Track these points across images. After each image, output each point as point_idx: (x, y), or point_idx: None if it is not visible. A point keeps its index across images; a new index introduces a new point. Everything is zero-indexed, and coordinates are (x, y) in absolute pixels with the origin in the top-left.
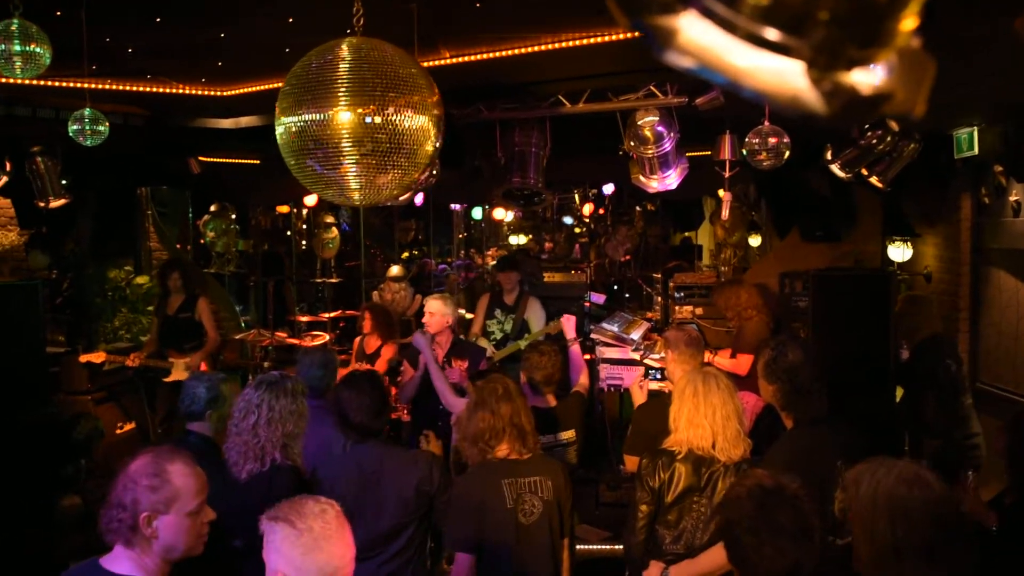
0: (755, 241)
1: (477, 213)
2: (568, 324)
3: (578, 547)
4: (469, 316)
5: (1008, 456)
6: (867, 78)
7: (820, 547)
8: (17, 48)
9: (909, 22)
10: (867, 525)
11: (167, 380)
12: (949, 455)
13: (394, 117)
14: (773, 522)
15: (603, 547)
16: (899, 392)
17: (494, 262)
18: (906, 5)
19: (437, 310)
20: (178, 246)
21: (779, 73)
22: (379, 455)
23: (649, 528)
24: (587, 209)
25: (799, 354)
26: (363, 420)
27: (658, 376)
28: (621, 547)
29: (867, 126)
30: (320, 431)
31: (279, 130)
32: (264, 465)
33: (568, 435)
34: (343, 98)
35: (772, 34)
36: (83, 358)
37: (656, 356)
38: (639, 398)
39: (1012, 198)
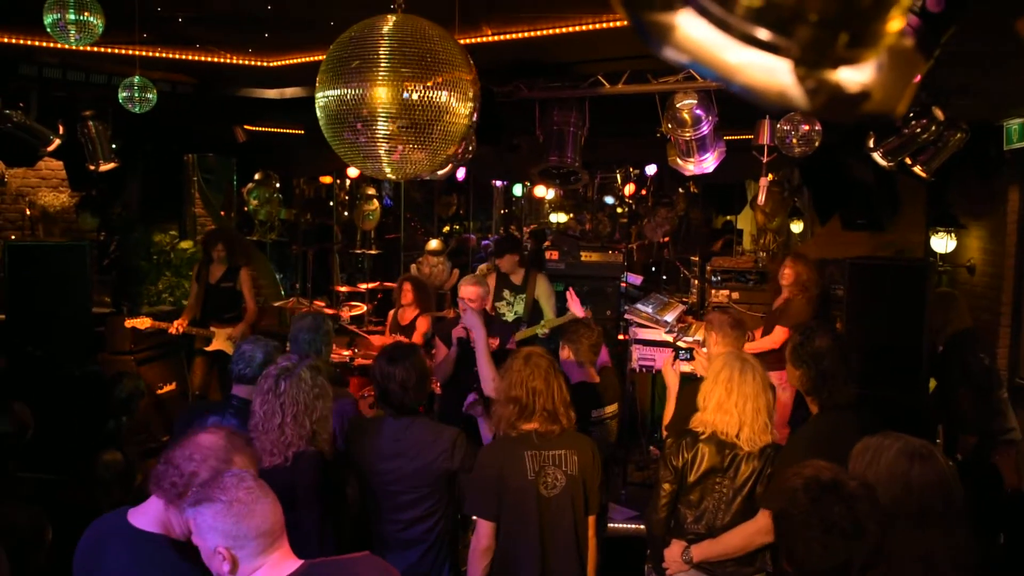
0: (797, 227)
1: (518, 190)
2: (573, 300)
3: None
4: None
5: None
6: (853, 76)
7: (875, 546)
8: (72, 17)
9: (895, 23)
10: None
11: (208, 349)
12: (986, 451)
13: (430, 94)
14: (826, 519)
15: (628, 526)
16: (932, 384)
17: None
18: (892, 7)
19: (478, 296)
20: (222, 213)
21: (768, 70)
22: (405, 425)
23: (671, 507)
24: (628, 189)
25: (826, 340)
26: (404, 399)
27: (687, 357)
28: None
29: (911, 114)
30: None
31: (318, 102)
32: (287, 460)
33: (612, 409)
34: (380, 73)
35: (763, 33)
36: (128, 323)
37: (689, 339)
38: (672, 379)
39: None
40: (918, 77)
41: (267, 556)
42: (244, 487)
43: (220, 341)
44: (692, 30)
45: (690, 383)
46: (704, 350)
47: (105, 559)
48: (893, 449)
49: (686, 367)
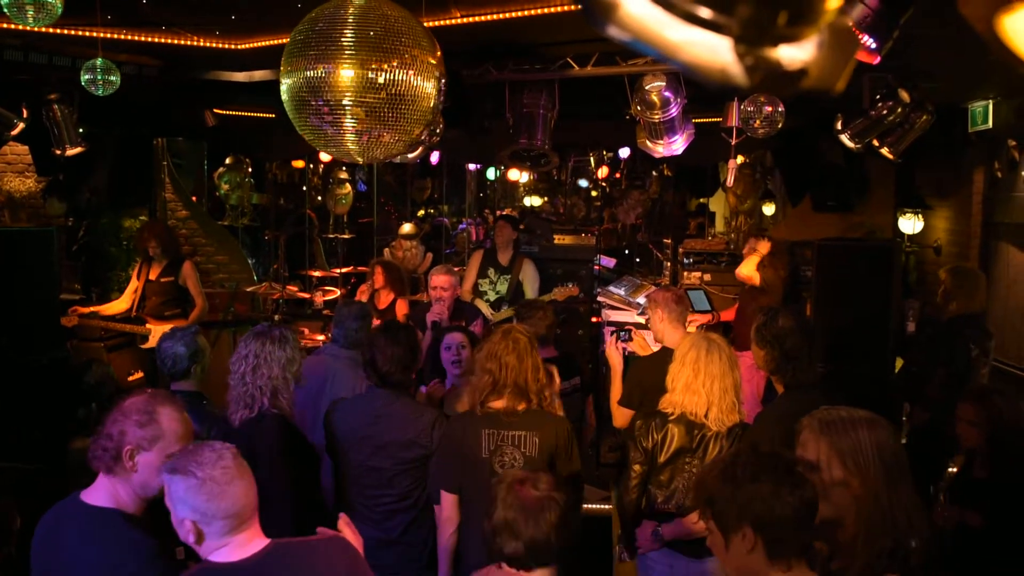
0: (769, 209)
1: (491, 173)
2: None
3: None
4: None
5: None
6: (792, 53)
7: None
8: None
9: (834, 1)
10: (860, 467)
11: (144, 347)
12: (933, 433)
13: (395, 76)
14: (777, 475)
15: (603, 507)
16: (898, 363)
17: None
18: None
19: (449, 284)
20: (193, 198)
21: (709, 48)
22: (388, 400)
23: (642, 488)
24: (602, 172)
25: (789, 321)
26: (390, 369)
27: (626, 338)
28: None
29: (878, 96)
30: (348, 377)
31: (283, 85)
32: (253, 411)
33: (576, 380)
34: (345, 55)
35: (704, 12)
36: (64, 320)
37: None
38: (616, 359)
39: None
40: (871, 57)
41: (234, 536)
42: (221, 465)
43: (156, 339)
44: (635, 8)
45: (634, 361)
46: (642, 331)
47: (60, 542)
48: (868, 427)
49: (625, 347)
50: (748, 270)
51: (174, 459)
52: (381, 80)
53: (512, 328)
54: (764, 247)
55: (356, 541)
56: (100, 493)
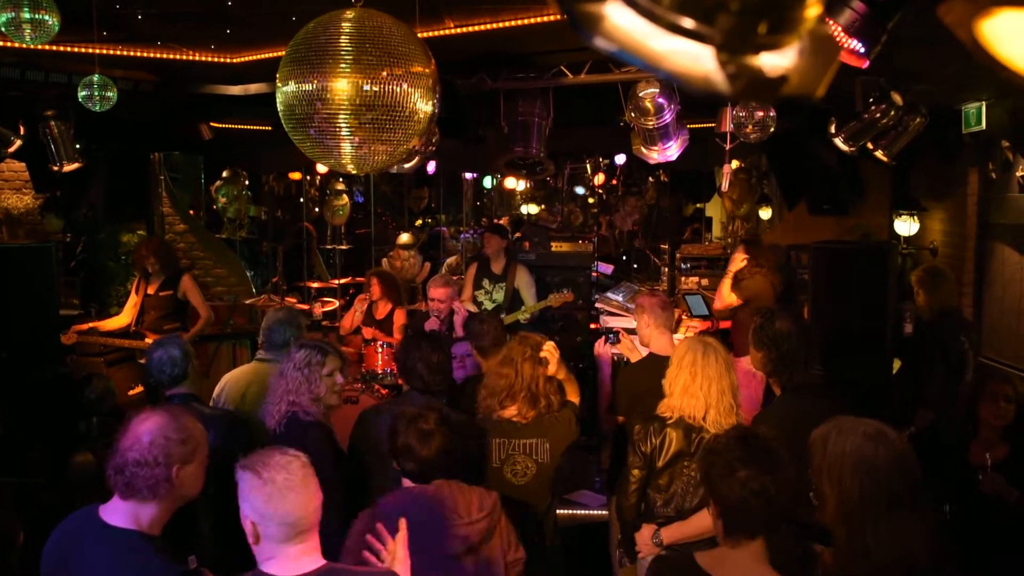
0: (765, 214)
1: (488, 182)
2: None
3: (578, 512)
4: None
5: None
6: (774, 61)
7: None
8: (27, 15)
9: (813, 9)
10: (835, 481)
11: (143, 362)
12: (943, 431)
13: (390, 88)
14: (742, 454)
15: (602, 512)
16: (896, 364)
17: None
18: None
19: (447, 296)
20: (191, 212)
21: (693, 57)
22: (423, 402)
23: (641, 492)
24: (599, 179)
25: (786, 323)
26: (432, 378)
27: (613, 340)
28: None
29: (871, 99)
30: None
31: (279, 97)
32: (275, 420)
33: None
34: (340, 68)
35: (687, 22)
36: (63, 338)
37: None
38: (605, 360)
39: (1019, 174)
40: (860, 61)
41: (288, 546)
42: (286, 472)
43: None
44: (620, 20)
45: (622, 368)
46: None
47: (78, 556)
48: (857, 434)
49: (613, 350)
50: (726, 298)
51: (248, 458)
52: (375, 91)
53: (528, 336)
54: (737, 258)
55: (402, 553)
56: (122, 514)
